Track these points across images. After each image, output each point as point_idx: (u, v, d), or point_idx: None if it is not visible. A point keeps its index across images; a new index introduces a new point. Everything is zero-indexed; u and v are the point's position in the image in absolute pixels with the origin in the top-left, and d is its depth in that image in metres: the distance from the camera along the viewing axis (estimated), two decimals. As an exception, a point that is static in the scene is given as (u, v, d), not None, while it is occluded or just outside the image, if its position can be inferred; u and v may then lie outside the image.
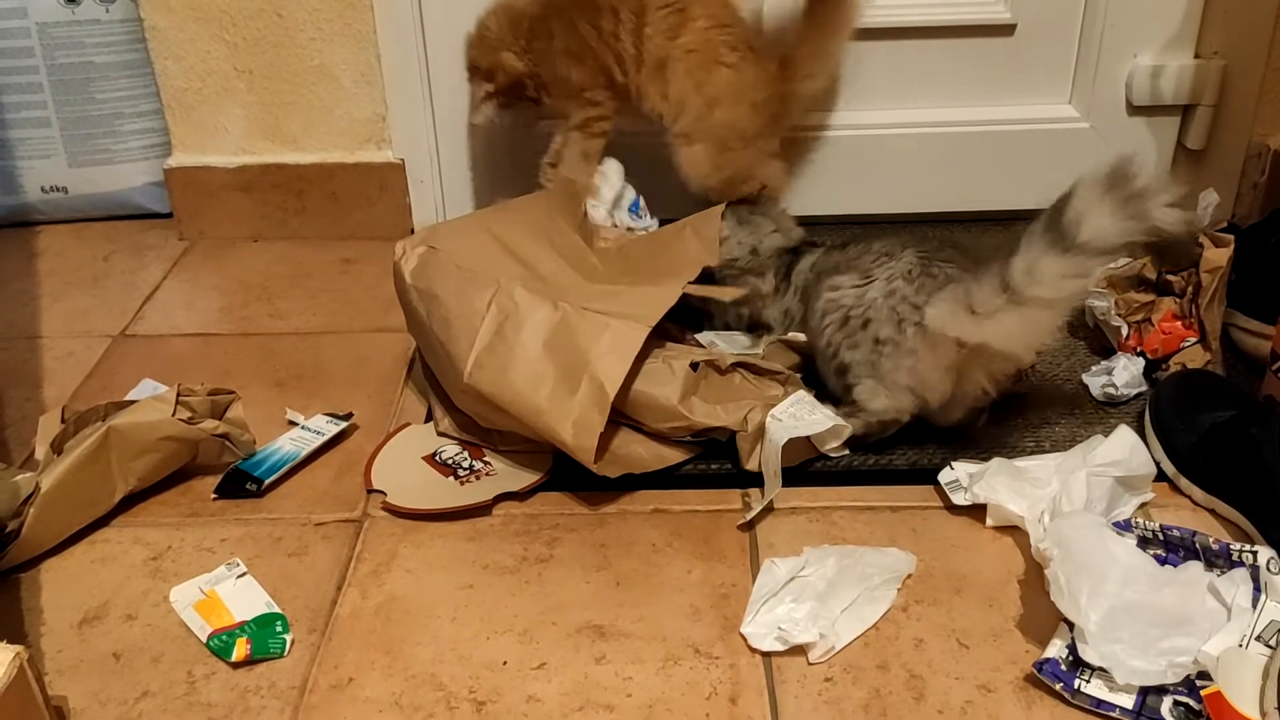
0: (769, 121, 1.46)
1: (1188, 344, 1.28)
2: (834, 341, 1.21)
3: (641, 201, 1.55)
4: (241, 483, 1.18)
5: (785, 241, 1.43)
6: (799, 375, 1.26)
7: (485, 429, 1.23)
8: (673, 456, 1.20)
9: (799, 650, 0.97)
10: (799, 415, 1.15)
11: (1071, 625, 0.94)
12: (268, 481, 1.18)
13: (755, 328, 1.39)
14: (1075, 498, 1.05)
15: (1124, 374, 1.27)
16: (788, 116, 1.50)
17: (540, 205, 1.40)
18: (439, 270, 1.23)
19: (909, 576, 1.05)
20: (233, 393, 1.21)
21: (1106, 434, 1.13)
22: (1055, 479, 1.09)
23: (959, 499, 1.12)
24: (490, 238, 1.28)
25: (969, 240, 1.64)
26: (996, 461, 1.13)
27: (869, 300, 1.19)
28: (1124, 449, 1.10)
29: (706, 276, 1.31)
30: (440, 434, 1.26)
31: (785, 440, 1.13)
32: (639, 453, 1.19)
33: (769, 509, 1.14)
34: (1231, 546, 0.98)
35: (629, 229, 1.50)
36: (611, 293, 1.23)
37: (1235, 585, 0.95)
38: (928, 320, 1.13)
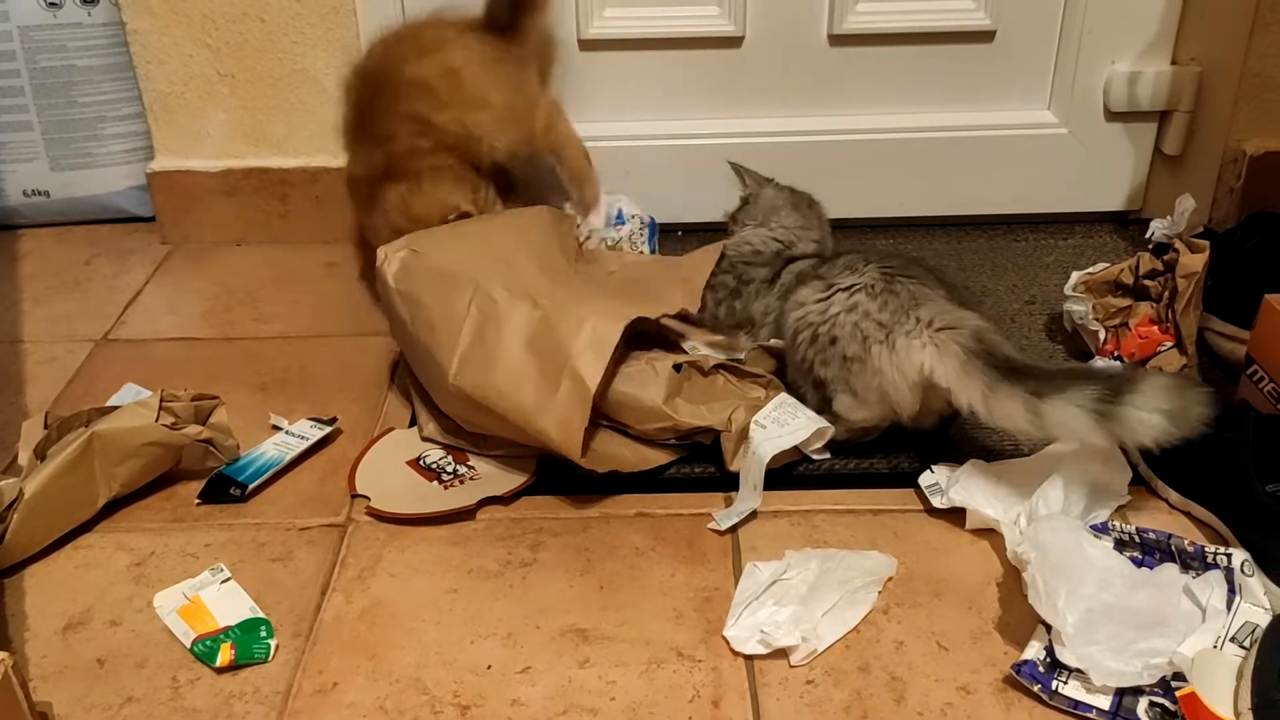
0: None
1: (1164, 348, 1.29)
2: (808, 357, 1.22)
3: (623, 209, 1.56)
4: (225, 488, 1.19)
5: (819, 250, 1.40)
6: (781, 382, 1.27)
7: (471, 432, 1.24)
8: (657, 458, 1.21)
9: (781, 653, 0.98)
10: (782, 420, 1.16)
11: (1049, 627, 0.95)
12: (252, 486, 1.19)
13: (740, 325, 1.40)
14: (1052, 501, 1.07)
15: (1102, 378, 1.29)
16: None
17: (529, 217, 1.40)
18: (421, 274, 1.23)
19: (889, 579, 1.06)
20: (216, 398, 1.21)
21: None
22: (1031, 482, 1.10)
23: (939, 502, 1.13)
24: (473, 239, 1.29)
25: (935, 257, 1.66)
26: (972, 464, 1.14)
27: (832, 316, 1.19)
28: (1099, 453, 1.11)
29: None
30: (425, 439, 1.27)
31: (771, 455, 1.13)
32: (623, 454, 1.20)
33: (748, 518, 1.14)
34: (1206, 549, 1.00)
35: (607, 241, 1.52)
36: (580, 297, 1.24)
37: (1210, 587, 0.96)
38: (928, 364, 1.12)
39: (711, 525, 1.13)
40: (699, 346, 1.36)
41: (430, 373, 1.23)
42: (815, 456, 1.21)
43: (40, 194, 1.75)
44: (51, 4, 1.66)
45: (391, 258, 1.25)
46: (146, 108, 1.66)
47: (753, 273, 1.39)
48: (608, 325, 1.15)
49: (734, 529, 1.13)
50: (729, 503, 1.16)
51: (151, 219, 1.75)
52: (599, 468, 1.16)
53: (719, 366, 1.23)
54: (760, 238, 1.41)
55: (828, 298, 1.21)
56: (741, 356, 1.31)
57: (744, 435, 1.16)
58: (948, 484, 1.13)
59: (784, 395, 1.21)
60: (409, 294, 1.23)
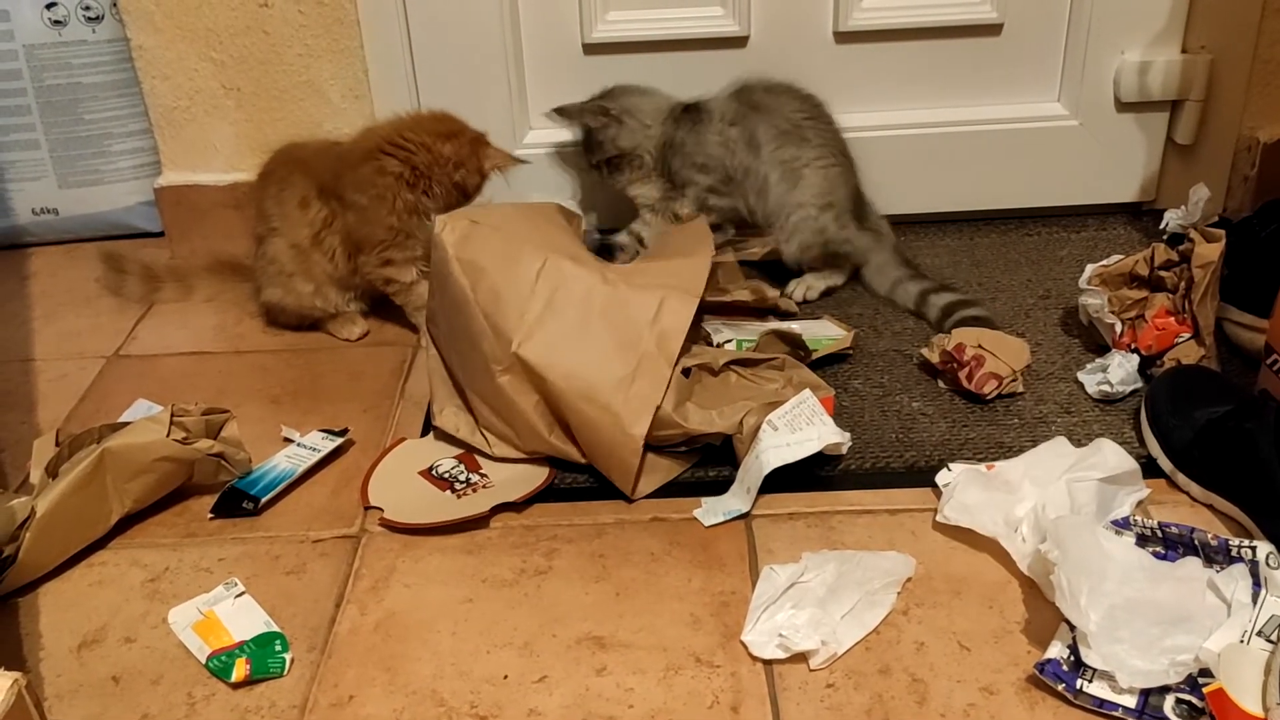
0: None
1: (1182, 340, 1.28)
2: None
3: None
4: (238, 501, 1.18)
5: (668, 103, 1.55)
6: (796, 360, 1.26)
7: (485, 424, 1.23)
8: (675, 467, 1.20)
9: (800, 657, 0.97)
10: (796, 424, 1.14)
11: (1073, 626, 0.93)
12: (264, 500, 1.18)
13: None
14: (1058, 507, 1.05)
15: (1119, 371, 1.27)
16: None
17: (553, 209, 1.40)
18: (483, 243, 1.21)
19: (908, 580, 1.05)
20: (227, 411, 1.21)
21: (1101, 431, 1.13)
22: (1030, 487, 1.08)
23: (955, 502, 1.12)
24: (524, 219, 1.28)
25: (946, 254, 1.65)
26: (964, 473, 1.12)
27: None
28: (1095, 450, 1.10)
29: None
30: (437, 427, 1.26)
31: (775, 466, 1.12)
32: (656, 461, 1.19)
33: (740, 518, 1.14)
34: (1230, 542, 0.98)
35: None
36: (643, 269, 1.23)
37: (1234, 581, 0.95)
38: None
39: (697, 511, 1.14)
40: (722, 329, 1.35)
41: (479, 348, 1.19)
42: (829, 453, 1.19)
43: (49, 212, 1.76)
44: (56, 22, 1.66)
45: (451, 226, 1.21)
46: (153, 123, 1.66)
47: (678, 136, 1.51)
48: (681, 302, 1.15)
49: (723, 524, 1.13)
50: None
51: (160, 234, 1.75)
52: (635, 496, 1.16)
53: (730, 363, 1.22)
54: (659, 135, 1.53)
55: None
56: (753, 340, 1.31)
57: (756, 434, 1.15)
58: (943, 500, 1.11)
59: (805, 394, 1.18)
60: (470, 261, 1.19)
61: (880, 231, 1.55)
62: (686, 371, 1.18)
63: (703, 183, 1.50)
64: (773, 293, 1.45)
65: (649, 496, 1.17)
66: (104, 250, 1.65)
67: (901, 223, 1.68)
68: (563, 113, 1.55)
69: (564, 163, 1.65)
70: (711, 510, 1.14)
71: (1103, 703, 0.90)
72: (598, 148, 1.53)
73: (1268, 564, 0.95)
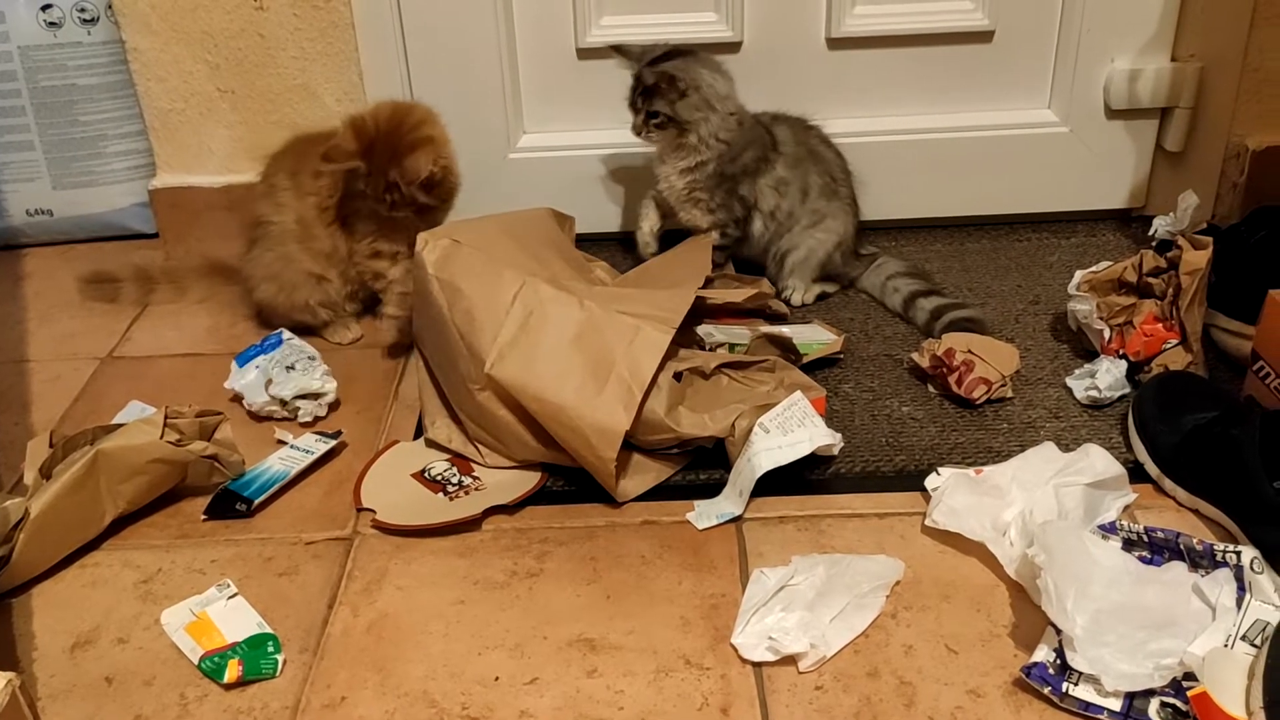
0: None
1: (1169, 346, 1.29)
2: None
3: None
4: (231, 503, 1.19)
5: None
6: (787, 361, 1.27)
7: (476, 435, 1.24)
8: (665, 470, 1.21)
9: (789, 659, 0.98)
10: (787, 426, 1.15)
11: (1059, 630, 0.94)
12: (257, 501, 1.19)
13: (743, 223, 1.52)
14: (1046, 511, 1.06)
15: (1107, 377, 1.28)
16: None
17: (543, 216, 1.41)
18: (463, 263, 1.22)
19: (897, 583, 1.06)
20: (220, 414, 1.22)
21: (1088, 437, 1.13)
22: (1018, 492, 1.09)
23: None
24: (508, 238, 1.28)
25: (937, 259, 1.66)
26: (953, 478, 1.13)
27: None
28: (1082, 455, 1.11)
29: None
30: (429, 440, 1.26)
31: (767, 469, 1.13)
32: (640, 474, 1.20)
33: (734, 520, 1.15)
34: (1215, 547, 0.99)
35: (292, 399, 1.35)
36: (625, 295, 1.24)
37: (1219, 585, 0.96)
38: None
39: (690, 514, 1.14)
40: (714, 333, 1.36)
41: (458, 367, 1.21)
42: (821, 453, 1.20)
43: (43, 213, 1.76)
44: (51, 24, 1.66)
45: (432, 245, 1.23)
46: (148, 125, 1.66)
47: (745, 158, 1.48)
48: (657, 333, 1.16)
49: (715, 527, 1.14)
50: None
51: (155, 235, 1.75)
52: (621, 498, 1.17)
53: (721, 366, 1.22)
54: (722, 127, 1.46)
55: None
56: (745, 344, 1.32)
57: (748, 437, 1.16)
58: (932, 505, 1.12)
59: (795, 396, 1.18)
60: (448, 281, 1.21)
61: (873, 255, 1.58)
62: (678, 375, 1.19)
63: (738, 213, 1.50)
64: (770, 290, 1.48)
65: (639, 499, 1.18)
66: (83, 276, 1.62)
67: (893, 228, 1.69)
68: (624, 52, 1.48)
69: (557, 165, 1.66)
70: (704, 513, 1.15)
71: (1088, 706, 0.91)
72: (653, 99, 1.44)
73: (1252, 569, 0.96)
